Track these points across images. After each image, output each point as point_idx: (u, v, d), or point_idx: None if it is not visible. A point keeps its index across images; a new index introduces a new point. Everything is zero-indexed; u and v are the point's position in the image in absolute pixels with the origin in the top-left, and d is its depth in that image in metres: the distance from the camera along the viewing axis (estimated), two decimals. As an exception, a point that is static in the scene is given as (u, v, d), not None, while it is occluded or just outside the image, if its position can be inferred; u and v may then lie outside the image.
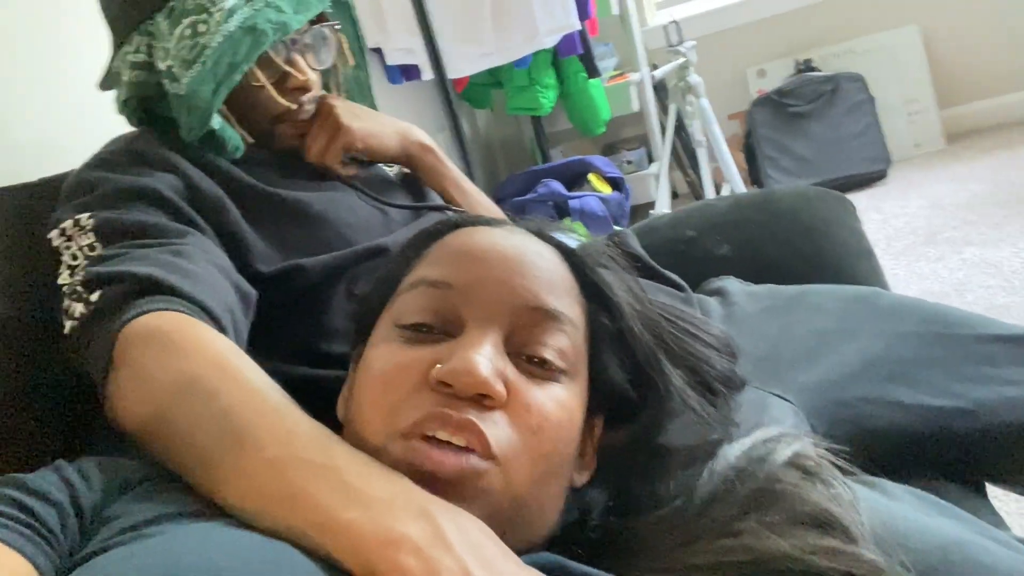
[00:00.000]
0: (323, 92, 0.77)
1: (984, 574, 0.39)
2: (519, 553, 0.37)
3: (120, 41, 0.70)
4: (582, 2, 2.00)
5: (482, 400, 0.40)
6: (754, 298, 0.72)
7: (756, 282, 0.78)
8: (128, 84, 0.69)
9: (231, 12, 0.64)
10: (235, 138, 0.69)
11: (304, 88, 0.72)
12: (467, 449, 0.39)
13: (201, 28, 0.64)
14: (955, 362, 0.61)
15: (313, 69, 0.74)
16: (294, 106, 0.72)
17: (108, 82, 0.74)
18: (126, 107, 0.72)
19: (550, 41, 1.99)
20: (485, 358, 0.40)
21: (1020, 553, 0.41)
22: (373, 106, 0.86)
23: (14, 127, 0.90)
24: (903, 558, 0.37)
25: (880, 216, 2.20)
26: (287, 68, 0.71)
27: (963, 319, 0.65)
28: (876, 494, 0.45)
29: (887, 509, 0.43)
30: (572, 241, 0.50)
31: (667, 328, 0.50)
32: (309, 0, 0.69)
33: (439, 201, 0.83)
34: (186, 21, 0.65)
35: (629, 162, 2.60)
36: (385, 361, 0.43)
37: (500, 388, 0.40)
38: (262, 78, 0.69)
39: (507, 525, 0.39)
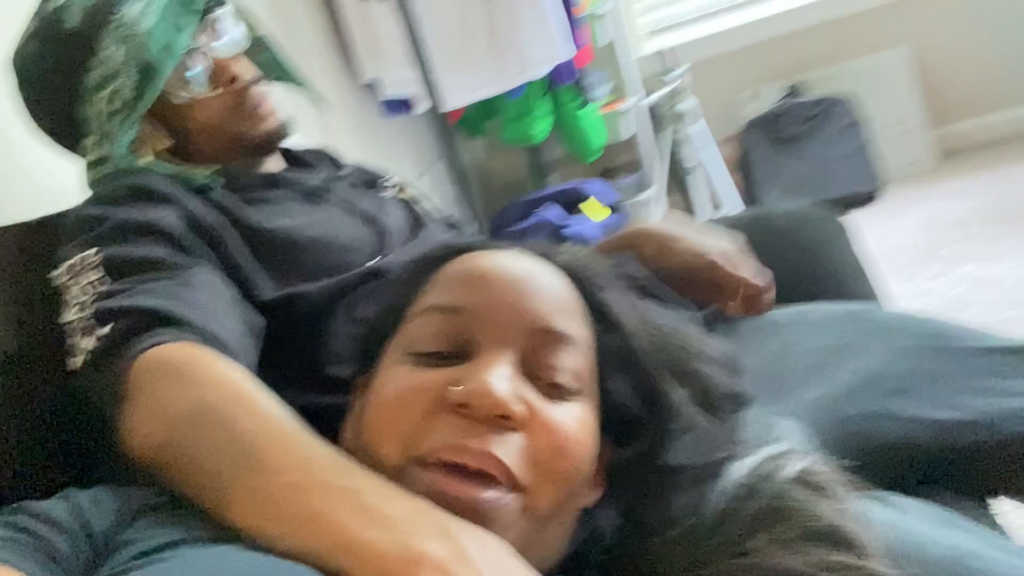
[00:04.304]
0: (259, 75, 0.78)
1: (995, 585, 0.39)
2: None
3: (81, 154, 0.75)
4: (574, 31, 2.04)
5: (502, 422, 0.40)
6: (754, 317, 0.72)
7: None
8: (93, 184, 0.73)
9: (126, 62, 0.68)
10: (191, 178, 0.70)
11: (233, 76, 0.74)
12: (488, 476, 0.39)
13: (124, 94, 0.69)
14: (957, 375, 0.62)
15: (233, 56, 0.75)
16: (227, 89, 0.73)
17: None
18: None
19: (543, 70, 2.02)
20: (502, 378, 0.40)
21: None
22: (301, 81, 0.87)
23: (14, 165, 0.91)
24: (914, 571, 0.37)
25: (877, 234, 2.21)
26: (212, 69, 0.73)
27: (961, 332, 0.66)
28: (886, 508, 0.45)
29: (897, 522, 0.43)
30: (578, 250, 0.51)
31: (671, 347, 0.50)
32: (186, 15, 0.71)
33: (437, 229, 0.84)
34: (103, 95, 0.70)
35: (626, 187, 2.62)
36: (398, 384, 0.43)
37: (520, 408, 0.40)
38: (194, 90, 0.72)
39: (529, 547, 0.39)
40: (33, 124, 0.77)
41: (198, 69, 0.73)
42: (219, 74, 0.73)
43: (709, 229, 0.77)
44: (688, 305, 0.71)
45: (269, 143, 0.77)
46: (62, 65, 0.71)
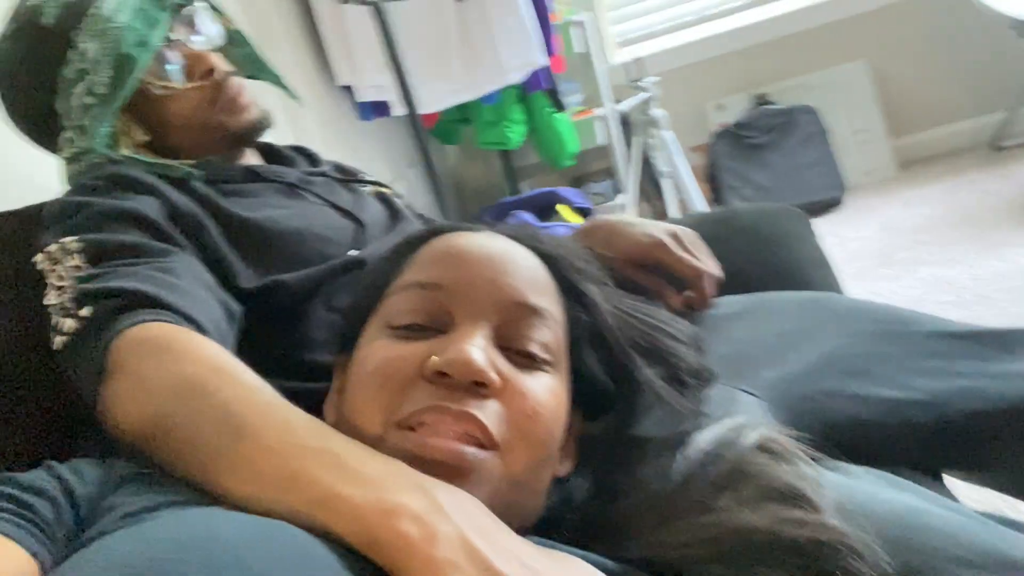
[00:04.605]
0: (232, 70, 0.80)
1: (937, 534, 0.42)
2: None
3: (58, 149, 0.76)
4: (547, 39, 2.07)
5: (478, 389, 0.42)
6: (719, 304, 0.75)
7: (720, 293, 0.81)
8: (71, 178, 0.74)
9: (98, 59, 0.70)
10: (169, 170, 0.71)
11: (210, 69, 0.75)
12: (468, 438, 0.41)
13: (97, 90, 0.70)
14: (910, 357, 0.65)
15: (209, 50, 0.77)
16: (204, 83, 0.75)
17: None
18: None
19: (516, 77, 2.05)
20: (478, 348, 0.43)
21: (971, 518, 0.44)
22: (276, 76, 0.89)
23: (8, 154, 0.91)
24: (865, 524, 0.40)
25: (837, 240, 2.28)
26: (184, 60, 0.74)
27: (915, 318, 0.69)
28: (838, 474, 0.48)
29: (848, 484, 0.46)
30: (552, 234, 0.53)
31: (638, 325, 0.53)
32: (160, 11, 0.73)
33: (413, 225, 0.86)
34: (77, 91, 0.71)
35: (598, 194, 2.66)
36: (380, 356, 0.45)
37: (494, 375, 0.42)
38: (172, 83, 0.73)
39: (505, 509, 0.40)
40: (12, 124, 0.77)
41: (175, 62, 0.74)
42: (196, 67, 0.75)
43: (665, 222, 0.80)
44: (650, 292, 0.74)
45: (249, 134, 0.79)
46: (39, 60, 0.72)
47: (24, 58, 0.72)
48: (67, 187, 0.74)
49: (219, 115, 0.76)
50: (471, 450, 0.41)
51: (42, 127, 0.75)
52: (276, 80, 0.89)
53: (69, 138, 0.74)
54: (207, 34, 0.78)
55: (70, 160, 0.74)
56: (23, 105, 0.75)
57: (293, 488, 0.37)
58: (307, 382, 0.64)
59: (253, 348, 0.63)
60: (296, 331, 0.67)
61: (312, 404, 0.52)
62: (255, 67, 0.88)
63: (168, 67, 0.74)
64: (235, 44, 0.86)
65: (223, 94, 0.76)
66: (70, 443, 0.59)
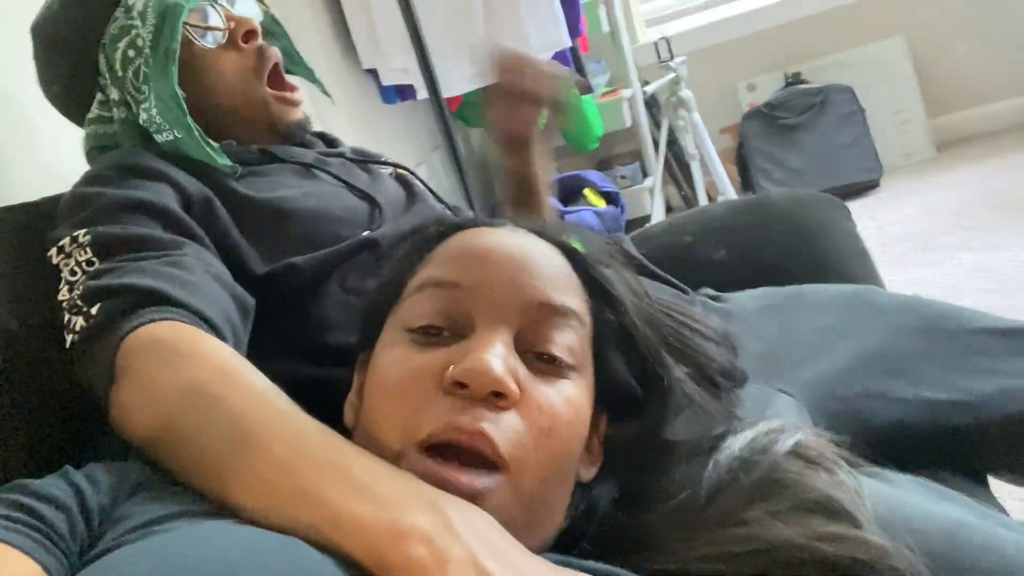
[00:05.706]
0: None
1: (988, 554, 0.39)
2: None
3: (82, 117, 0.77)
4: (573, 20, 2.03)
5: (496, 400, 0.41)
6: (752, 299, 0.73)
7: (753, 285, 0.79)
8: (89, 137, 0.75)
9: (144, 11, 0.71)
10: (212, 156, 0.70)
11: (253, 31, 0.75)
12: (478, 454, 0.39)
13: (138, 42, 0.71)
14: (953, 356, 0.62)
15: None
16: (246, 46, 0.75)
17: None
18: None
19: (543, 58, 2.01)
20: (498, 357, 0.41)
21: (1022, 534, 0.42)
22: (310, 71, 0.89)
23: (22, 147, 0.91)
24: (909, 541, 0.37)
25: (874, 224, 2.21)
26: (226, 23, 0.75)
27: (958, 314, 0.66)
28: (879, 482, 0.45)
29: (890, 495, 0.44)
30: (575, 227, 0.51)
31: (667, 323, 0.50)
32: None
33: (431, 205, 0.84)
34: (120, 46, 0.71)
35: (623, 177, 2.62)
36: (397, 367, 0.44)
37: (514, 386, 0.41)
38: (214, 37, 0.73)
39: (519, 526, 0.39)
40: (46, 100, 0.77)
41: (217, 18, 0.74)
42: (238, 27, 0.75)
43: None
44: (684, 287, 0.71)
45: (292, 133, 0.78)
46: (87, 17, 0.72)
47: (72, 18, 0.73)
48: (86, 147, 0.75)
49: (265, 90, 0.75)
50: (481, 483, 0.39)
51: (79, 89, 0.75)
52: (311, 76, 0.89)
53: (102, 100, 0.74)
54: (247, 5, 0.78)
55: (93, 121, 0.75)
56: (63, 66, 0.75)
57: (303, 505, 0.36)
58: (324, 366, 0.63)
59: (267, 334, 0.62)
60: (311, 313, 0.66)
61: (328, 393, 0.51)
62: (290, 61, 0.87)
63: (210, 21, 0.74)
64: (273, 35, 0.86)
65: (265, 61, 0.75)
66: (88, 442, 0.58)
